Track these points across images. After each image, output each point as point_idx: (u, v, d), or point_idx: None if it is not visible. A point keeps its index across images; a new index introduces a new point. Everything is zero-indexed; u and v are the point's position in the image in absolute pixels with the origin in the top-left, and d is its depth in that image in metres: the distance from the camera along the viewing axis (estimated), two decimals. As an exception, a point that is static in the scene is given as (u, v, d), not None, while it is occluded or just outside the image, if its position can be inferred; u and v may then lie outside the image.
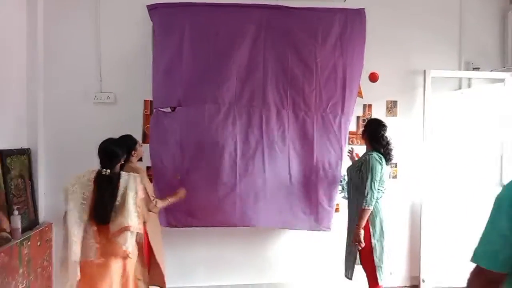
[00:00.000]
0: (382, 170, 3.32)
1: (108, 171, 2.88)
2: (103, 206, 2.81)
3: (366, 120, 3.94)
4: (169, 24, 3.79)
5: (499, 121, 4.47)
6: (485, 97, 4.52)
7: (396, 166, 4.42)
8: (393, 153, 3.45)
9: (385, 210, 3.38)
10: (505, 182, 4.37)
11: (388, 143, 3.42)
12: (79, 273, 2.74)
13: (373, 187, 3.23)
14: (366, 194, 3.22)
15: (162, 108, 3.82)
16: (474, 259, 1.51)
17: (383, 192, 3.37)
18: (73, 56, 4.04)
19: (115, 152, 2.97)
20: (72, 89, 4.03)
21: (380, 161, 3.31)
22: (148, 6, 3.82)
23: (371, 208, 3.24)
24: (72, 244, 2.75)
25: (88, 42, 4.05)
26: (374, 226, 3.29)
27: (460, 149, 4.39)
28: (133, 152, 3.38)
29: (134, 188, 2.87)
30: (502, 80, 4.44)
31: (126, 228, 2.79)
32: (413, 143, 4.38)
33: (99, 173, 2.89)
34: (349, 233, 3.45)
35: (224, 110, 3.80)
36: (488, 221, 1.51)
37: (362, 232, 3.24)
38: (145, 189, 3.06)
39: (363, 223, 3.24)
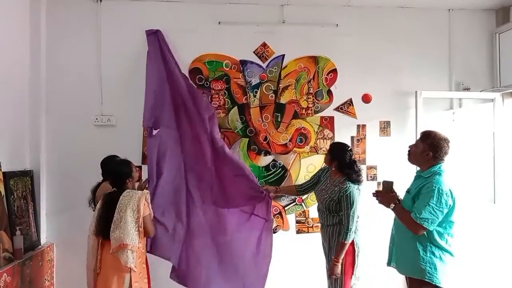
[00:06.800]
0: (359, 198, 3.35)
1: (114, 189, 3.15)
2: (101, 221, 3.07)
3: (330, 145, 3.91)
4: (158, 48, 3.95)
5: (490, 139, 4.58)
6: (476, 117, 4.64)
7: (391, 184, 4.50)
8: (362, 176, 3.43)
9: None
10: (498, 198, 4.47)
11: (360, 169, 3.39)
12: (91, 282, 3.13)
13: (355, 221, 3.26)
14: (348, 229, 3.22)
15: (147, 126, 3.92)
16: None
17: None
18: (75, 80, 4.14)
19: (119, 173, 3.21)
20: (73, 112, 4.12)
21: (359, 191, 3.34)
22: (146, 31, 3.96)
23: (350, 241, 3.26)
24: (87, 254, 3.17)
25: (89, 66, 4.16)
26: (358, 245, 3.35)
27: (453, 167, 4.46)
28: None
29: (135, 206, 3.03)
30: (492, 100, 4.56)
31: (124, 246, 2.97)
32: (407, 162, 4.43)
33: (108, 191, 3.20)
34: (329, 260, 3.44)
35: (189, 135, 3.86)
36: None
37: (339, 265, 3.27)
38: (148, 205, 3.19)
39: (342, 256, 3.27)
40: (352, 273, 3.34)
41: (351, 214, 3.23)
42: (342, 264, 3.29)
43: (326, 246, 3.47)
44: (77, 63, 4.15)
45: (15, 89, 3.67)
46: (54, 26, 4.09)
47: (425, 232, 2.75)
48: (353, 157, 3.45)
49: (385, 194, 3.02)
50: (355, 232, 3.31)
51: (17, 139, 3.71)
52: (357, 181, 3.35)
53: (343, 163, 3.39)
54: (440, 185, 2.73)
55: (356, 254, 3.32)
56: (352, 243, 3.31)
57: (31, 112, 3.91)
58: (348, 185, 3.29)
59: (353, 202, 3.24)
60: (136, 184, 3.49)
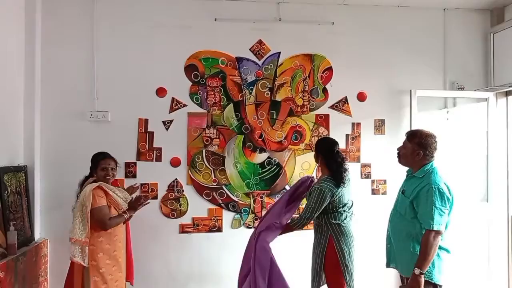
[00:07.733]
0: (335, 196, 3.15)
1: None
2: None
3: (317, 141, 3.65)
4: None
5: (484, 138, 4.62)
6: (470, 116, 4.68)
7: (385, 182, 4.53)
8: (347, 176, 3.25)
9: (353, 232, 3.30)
10: (491, 197, 4.50)
11: (343, 160, 3.24)
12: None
13: (312, 214, 3.11)
14: (301, 217, 3.15)
15: None
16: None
17: (352, 214, 3.31)
18: (69, 75, 4.12)
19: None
20: (68, 107, 4.10)
21: (332, 190, 3.12)
22: None
23: (296, 230, 3.20)
24: None
25: (84, 61, 4.14)
26: (341, 251, 3.17)
27: (446, 165, 4.49)
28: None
29: (84, 201, 3.19)
30: (486, 99, 4.60)
31: (71, 240, 3.18)
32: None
33: None
34: (314, 254, 3.33)
35: None
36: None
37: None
38: (104, 197, 3.30)
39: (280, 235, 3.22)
40: (337, 281, 3.17)
41: (313, 205, 3.10)
42: (318, 270, 3.20)
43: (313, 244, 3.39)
44: (71, 58, 4.12)
45: (9, 84, 3.65)
46: (49, 22, 4.06)
47: (423, 231, 2.73)
48: (337, 148, 3.29)
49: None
50: (340, 236, 3.17)
51: (11, 134, 3.69)
52: (337, 175, 3.16)
53: (326, 155, 3.26)
54: (438, 185, 2.72)
55: (341, 262, 3.15)
56: (334, 248, 3.17)
57: (26, 107, 3.89)
58: (323, 183, 3.15)
59: (317, 198, 3.09)
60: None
